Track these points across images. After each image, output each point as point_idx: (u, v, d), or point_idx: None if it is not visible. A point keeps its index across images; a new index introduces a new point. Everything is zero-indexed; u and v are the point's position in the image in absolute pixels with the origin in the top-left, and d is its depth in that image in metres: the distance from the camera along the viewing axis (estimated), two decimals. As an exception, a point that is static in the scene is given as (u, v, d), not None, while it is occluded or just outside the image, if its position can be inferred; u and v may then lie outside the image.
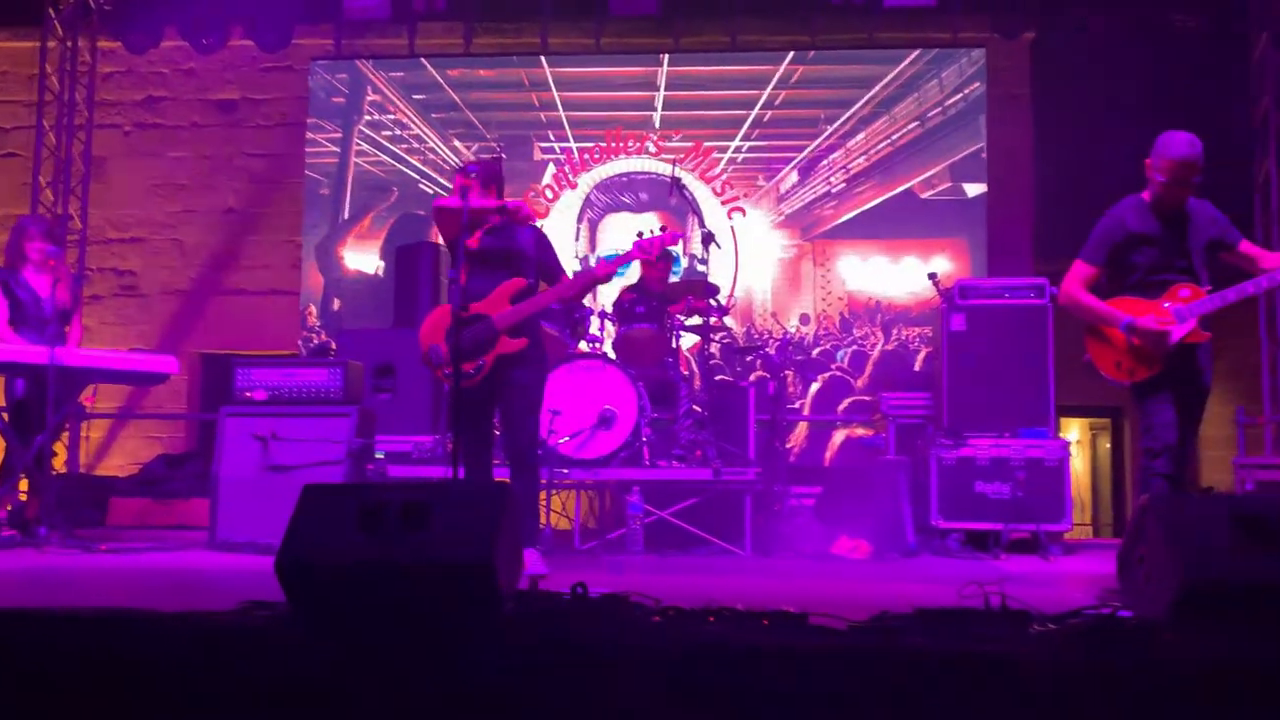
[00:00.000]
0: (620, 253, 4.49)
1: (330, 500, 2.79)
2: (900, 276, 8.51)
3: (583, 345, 6.10)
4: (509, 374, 4.31)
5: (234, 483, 5.49)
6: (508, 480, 4.34)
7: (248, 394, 5.72)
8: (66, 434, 8.74)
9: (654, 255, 4.65)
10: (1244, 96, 8.74)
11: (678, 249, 8.67)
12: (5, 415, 5.51)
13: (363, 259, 9.02)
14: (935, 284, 6.36)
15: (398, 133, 9.01)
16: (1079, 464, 12.01)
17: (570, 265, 8.66)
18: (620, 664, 2.41)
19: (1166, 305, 3.95)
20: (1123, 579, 2.84)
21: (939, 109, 8.52)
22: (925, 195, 8.53)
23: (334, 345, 7.92)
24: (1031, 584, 4.21)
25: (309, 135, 9.14)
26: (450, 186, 4.45)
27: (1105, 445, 11.81)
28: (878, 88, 8.56)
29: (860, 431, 8.08)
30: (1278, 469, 5.97)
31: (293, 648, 2.46)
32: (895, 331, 8.47)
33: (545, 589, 2.91)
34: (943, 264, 8.34)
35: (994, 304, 6.07)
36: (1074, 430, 12.10)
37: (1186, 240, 4.02)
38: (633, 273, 6.62)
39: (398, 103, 9.01)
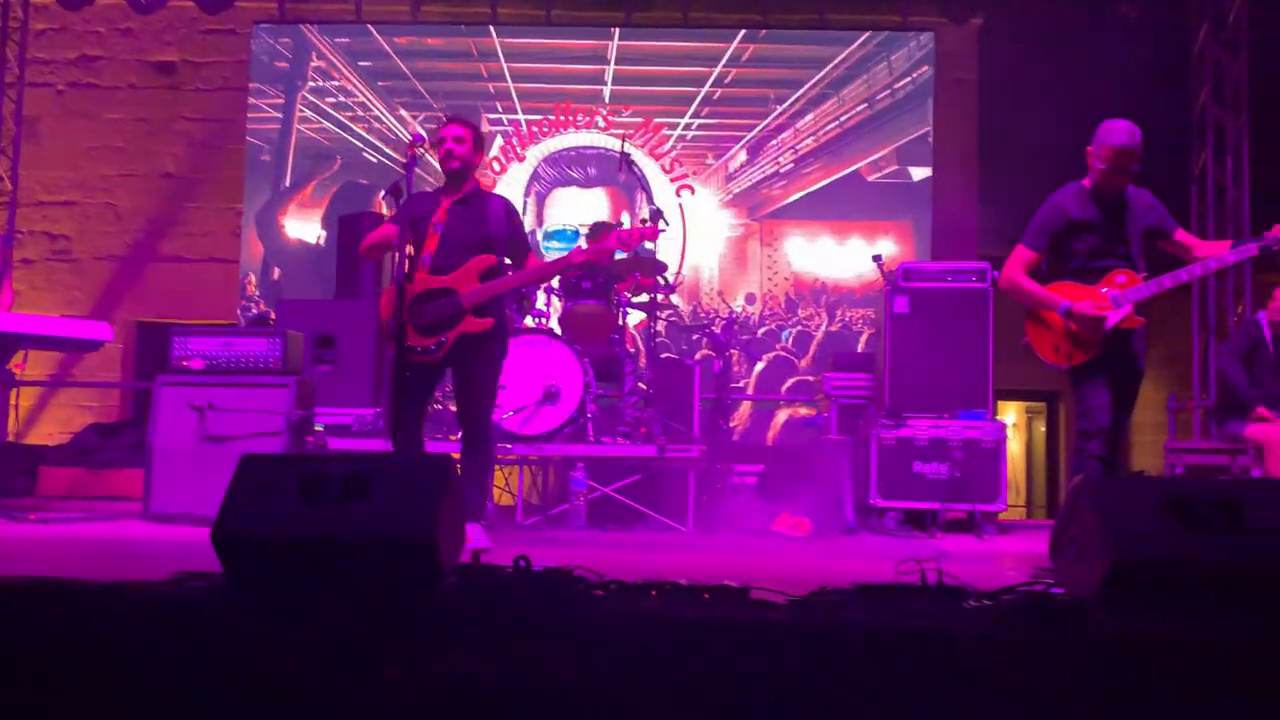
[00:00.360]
0: (572, 233, 4.44)
1: (269, 470, 2.75)
2: (845, 258, 8.58)
3: (528, 320, 6.06)
4: (471, 353, 4.19)
5: (169, 453, 5.38)
6: (454, 455, 4.29)
7: (184, 363, 5.60)
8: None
9: (632, 248, 4.60)
10: (1184, 88, 8.92)
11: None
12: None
13: (304, 228, 8.87)
14: (879, 266, 6.42)
15: (342, 100, 8.86)
16: (1015, 446, 12.25)
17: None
18: (563, 637, 2.41)
19: (1104, 291, 4.02)
20: (1055, 558, 2.90)
21: (887, 92, 8.58)
22: (872, 178, 8.60)
23: (273, 315, 7.78)
24: (967, 561, 4.29)
25: (251, 100, 8.95)
26: (397, 156, 4.31)
27: (1041, 429, 12.06)
28: (827, 69, 8.60)
29: (803, 411, 8.15)
30: (1206, 453, 6.13)
31: (228, 619, 2.42)
32: (839, 313, 8.55)
33: (488, 562, 2.90)
34: (888, 246, 8.42)
35: (936, 287, 6.14)
36: (1011, 413, 12.33)
37: (1125, 227, 4.10)
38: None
39: (343, 69, 8.86)
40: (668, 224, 6.18)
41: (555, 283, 6.31)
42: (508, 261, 4.34)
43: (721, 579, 2.82)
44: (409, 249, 4.06)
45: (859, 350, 8.18)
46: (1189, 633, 2.40)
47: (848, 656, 2.36)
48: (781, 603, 2.62)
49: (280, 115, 8.89)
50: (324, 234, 8.76)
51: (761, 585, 2.73)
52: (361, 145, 8.81)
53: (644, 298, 6.26)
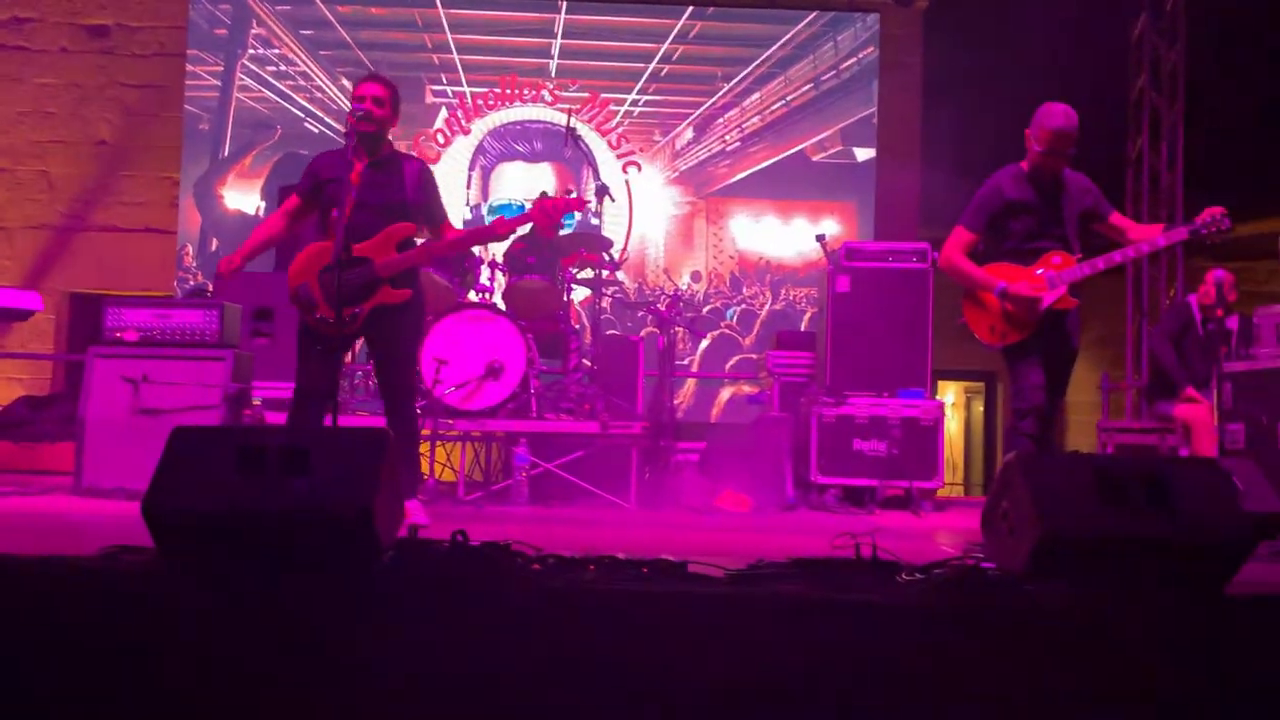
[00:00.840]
0: (518, 208, 4.34)
1: (202, 443, 2.70)
2: (790, 237, 8.63)
3: (472, 295, 6.02)
4: (387, 326, 4.02)
5: (102, 426, 5.27)
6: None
7: (118, 334, 5.49)
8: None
9: (555, 220, 4.50)
10: (1123, 74, 9.08)
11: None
12: None
13: (243, 199, 8.71)
14: (822, 246, 6.47)
15: (283, 69, 8.69)
16: (954, 426, 12.45)
17: (461, 212, 8.54)
18: (499, 610, 2.41)
19: (1039, 272, 4.10)
20: (987, 533, 2.95)
21: (833, 72, 8.63)
22: (817, 158, 8.65)
23: (211, 287, 7.64)
24: (903, 537, 4.36)
25: (189, 68, 8.75)
26: (339, 127, 4.17)
27: (979, 408, 12.27)
28: (774, 47, 8.61)
29: (747, 389, 8.21)
30: (1137, 433, 6.29)
31: (159, 594, 2.39)
32: (783, 292, 8.60)
33: (425, 537, 2.88)
34: (832, 226, 8.49)
35: (877, 267, 6.21)
36: (950, 393, 12.52)
37: (1060, 209, 4.17)
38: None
39: (284, 37, 8.68)
40: (614, 199, 6.17)
41: (499, 257, 6.28)
42: (424, 230, 4.16)
43: (661, 553, 2.84)
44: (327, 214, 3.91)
45: (802, 329, 8.25)
46: (1112, 603, 2.48)
47: (783, 628, 2.40)
48: (719, 576, 2.64)
49: (219, 83, 8.70)
50: (263, 205, 8.61)
51: (700, 559, 2.75)
52: (302, 115, 8.66)
53: (589, 274, 6.24)
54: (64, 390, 8.32)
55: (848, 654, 2.34)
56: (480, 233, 4.36)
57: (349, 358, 5.90)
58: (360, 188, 3.98)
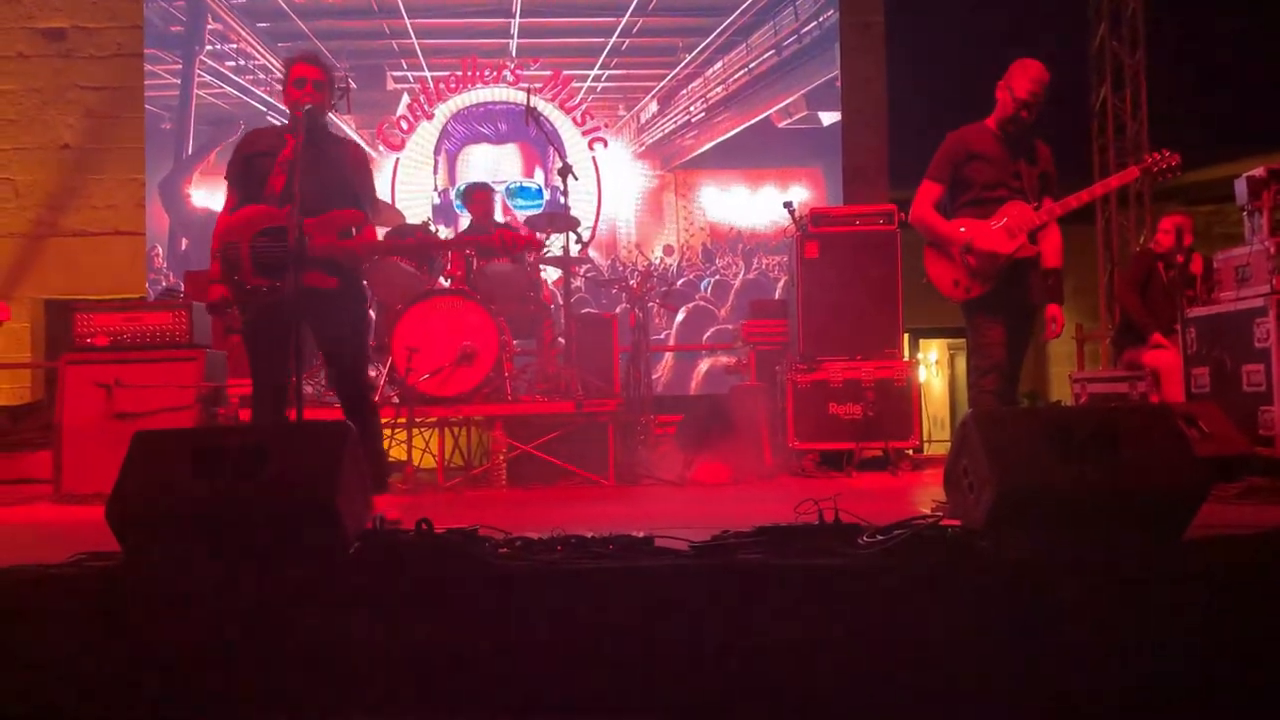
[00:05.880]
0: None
1: (162, 446, 2.71)
2: (760, 206, 8.64)
3: (442, 281, 6.02)
4: (324, 316, 3.84)
5: (78, 432, 5.29)
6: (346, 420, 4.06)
7: (89, 340, 5.49)
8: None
9: (515, 251, 4.40)
10: (1084, 24, 9.09)
11: (538, 182, 8.60)
12: None
13: (210, 196, 8.66)
14: (791, 212, 6.48)
15: (242, 63, 8.63)
16: (938, 383, 12.52)
17: (429, 197, 8.51)
18: (464, 595, 2.44)
19: (999, 224, 4.11)
20: (949, 490, 2.99)
21: (794, 37, 8.60)
22: (783, 124, 8.64)
23: (183, 287, 7.62)
24: (875, 498, 4.42)
25: (147, 67, 8.68)
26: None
27: (963, 364, 12.31)
28: (734, 15, 8.58)
29: (724, 360, 8.24)
30: (1108, 381, 6.33)
31: (126, 598, 2.41)
32: (756, 261, 8.61)
33: (392, 528, 2.91)
34: (801, 193, 8.49)
35: (845, 231, 6.22)
36: (934, 350, 12.58)
37: (1021, 162, 4.19)
38: (463, 219, 6.50)
39: (240, 31, 8.62)
40: (577, 178, 6.16)
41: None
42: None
43: (632, 529, 2.87)
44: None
45: (776, 297, 8.27)
46: (1068, 557, 2.52)
47: (745, 596, 2.43)
48: (683, 549, 2.67)
49: (179, 81, 8.64)
50: (231, 202, 8.56)
51: (667, 533, 2.78)
52: (265, 109, 8.60)
53: (557, 253, 6.24)
54: (43, 398, 8.29)
55: (808, 619, 2.38)
56: (428, 242, 4.21)
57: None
58: (302, 164, 3.76)
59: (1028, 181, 4.17)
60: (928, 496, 4.52)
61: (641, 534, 2.79)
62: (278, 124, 3.92)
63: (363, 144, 4.34)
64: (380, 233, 4.79)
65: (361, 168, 4.06)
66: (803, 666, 2.34)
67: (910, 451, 6.01)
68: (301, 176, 3.73)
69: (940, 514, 2.99)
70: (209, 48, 8.64)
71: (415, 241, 4.49)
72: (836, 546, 2.65)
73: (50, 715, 2.26)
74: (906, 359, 6.18)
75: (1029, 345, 4.27)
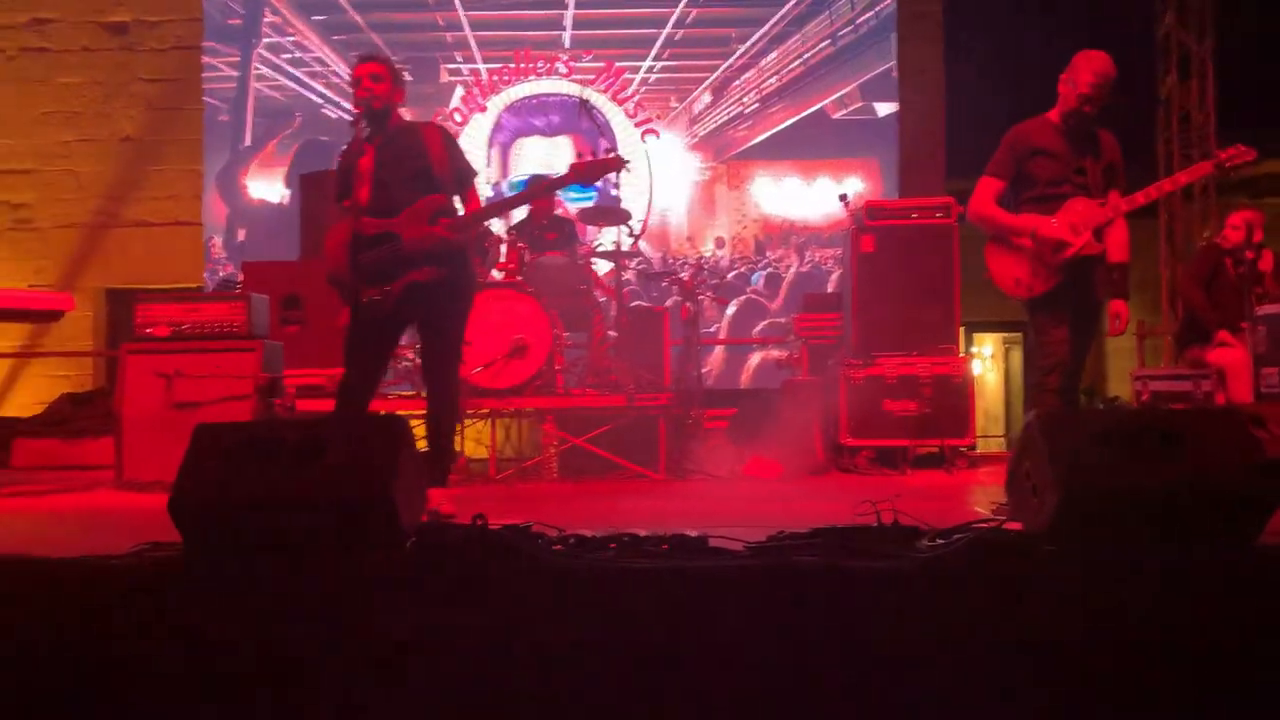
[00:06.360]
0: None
1: (223, 438, 2.74)
2: (814, 198, 8.55)
3: (495, 274, 6.04)
4: (426, 305, 3.84)
5: (138, 421, 5.37)
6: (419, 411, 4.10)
7: (149, 330, 5.57)
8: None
9: (592, 181, 4.30)
10: (1149, 12, 8.87)
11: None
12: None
13: (267, 187, 8.78)
14: (845, 205, 6.40)
15: (298, 55, 8.71)
16: (993, 377, 12.34)
17: (483, 190, 8.54)
18: (519, 594, 2.43)
19: (1061, 221, 4.02)
20: (1011, 493, 2.93)
21: (850, 27, 8.50)
22: (837, 115, 8.54)
23: (240, 277, 7.73)
24: (932, 498, 4.35)
25: (206, 60, 8.80)
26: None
27: (1018, 358, 12.13)
28: (789, 5, 8.50)
29: (775, 353, 8.18)
30: (1171, 379, 6.19)
31: (186, 591, 2.44)
32: (809, 253, 8.54)
33: (447, 522, 2.91)
34: (855, 184, 8.40)
35: (901, 224, 6.13)
36: (988, 344, 12.40)
37: (1087, 157, 4.09)
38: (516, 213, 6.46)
39: (297, 24, 8.70)
40: (630, 170, 6.14)
41: (512, 233, 6.28)
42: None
43: (686, 526, 2.85)
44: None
45: (829, 290, 8.19)
46: (1134, 561, 2.45)
47: (802, 601, 2.40)
48: (739, 550, 2.65)
49: (237, 74, 8.74)
50: (287, 193, 8.67)
51: (721, 532, 2.75)
52: (321, 101, 8.69)
53: (609, 247, 6.23)
54: (104, 386, 8.47)
55: (867, 624, 2.34)
56: (513, 199, 4.23)
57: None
58: (376, 167, 3.86)
59: (1092, 176, 4.07)
60: (985, 496, 4.44)
61: (695, 533, 2.77)
62: (359, 131, 3.96)
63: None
64: None
65: (449, 146, 3.98)
66: (860, 672, 2.31)
67: (965, 449, 5.92)
68: (380, 176, 3.80)
69: (1001, 517, 2.94)
70: (266, 40, 8.74)
71: (500, 202, 4.42)
72: (895, 549, 2.60)
73: (115, 705, 2.29)
74: (963, 354, 6.08)
75: (1092, 343, 4.18)
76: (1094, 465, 2.60)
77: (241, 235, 8.76)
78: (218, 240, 8.76)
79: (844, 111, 8.52)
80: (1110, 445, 2.60)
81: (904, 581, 2.42)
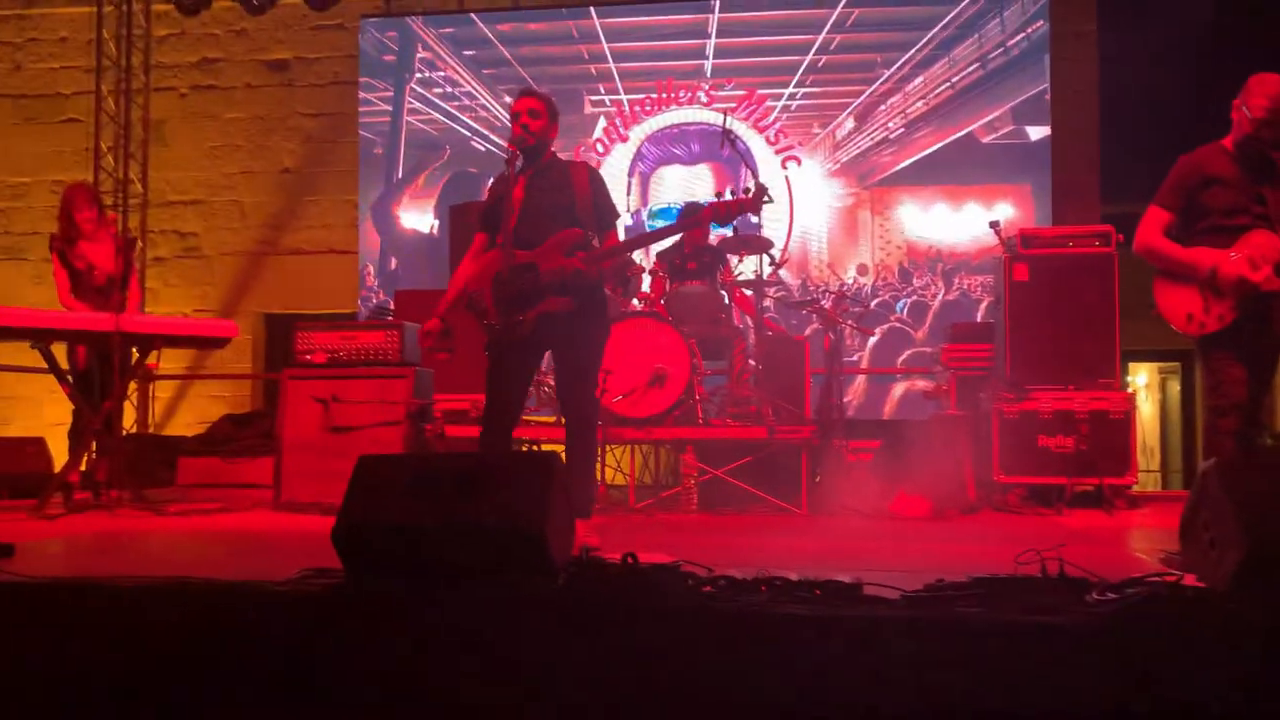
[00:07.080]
0: (677, 210, 4.12)
1: (384, 471, 2.82)
2: (961, 224, 8.33)
3: (635, 303, 6.07)
4: (560, 335, 3.92)
5: (297, 444, 5.61)
6: (557, 449, 4.14)
7: (308, 356, 5.81)
8: (135, 393, 8.97)
9: (729, 221, 4.31)
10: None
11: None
12: (71, 380, 5.65)
13: (418, 218, 9.07)
14: (997, 232, 6.20)
15: (449, 90, 8.99)
16: (1148, 409, 11.77)
17: (622, 220, 8.62)
18: (673, 636, 2.41)
19: (1234, 255, 3.79)
20: (1185, 543, 2.77)
21: (1000, 50, 8.27)
22: (987, 139, 8.31)
23: (392, 305, 7.99)
24: (1094, 542, 4.15)
25: (361, 94, 9.17)
26: (505, 144, 4.13)
27: (1175, 389, 11.55)
28: (936, 29, 8.33)
29: (920, 384, 7.97)
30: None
31: (346, 621, 2.50)
32: (956, 280, 8.31)
33: (596, 557, 2.92)
34: (1006, 210, 8.15)
35: (1057, 253, 5.92)
36: (1143, 374, 11.85)
37: (1265, 186, 3.86)
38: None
39: (448, 59, 8.98)
40: (771, 199, 6.08)
41: (657, 262, 6.30)
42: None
43: (835, 568, 2.78)
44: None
45: (978, 319, 7.95)
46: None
47: (963, 655, 2.30)
48: (895, 599, 2.56)
49: (390, 108, 9.08)
50: (436, 223, 8.93)
51: (875, 577, 2.67)
52: (469, 134, 8.93)
53: (749, 276, 6.18)
54: (262, 408, 8.86)
55: (1032, 682, 2.23)
56: (646, 236, 4.42)
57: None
58: (525, 199, 3.97)
59: (1273, 206, 3.83)
60: (1148, 541, 4.22)
61: (848, 578, 2.69)
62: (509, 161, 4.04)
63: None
64: None
65: (596, 184, 4.06)
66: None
67: (1125, 488, 5.64)
68: (527, 208, 3.92)
69: (1177, 571, 2.77)
70: (418, 75, 9.05)
71: (635, 240, 4.46)
72: (1063, 603, 2.47)
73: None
74: (1123, 388, 5.80)
75: (1272, 383, 3.93)
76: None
77: (394, 264, 9.07)
78: (371, 268, 9.08)
79: (994, 136, 8.29)
80: (1303, 498, 2.43)
81: (1075, 638, 2.30)
